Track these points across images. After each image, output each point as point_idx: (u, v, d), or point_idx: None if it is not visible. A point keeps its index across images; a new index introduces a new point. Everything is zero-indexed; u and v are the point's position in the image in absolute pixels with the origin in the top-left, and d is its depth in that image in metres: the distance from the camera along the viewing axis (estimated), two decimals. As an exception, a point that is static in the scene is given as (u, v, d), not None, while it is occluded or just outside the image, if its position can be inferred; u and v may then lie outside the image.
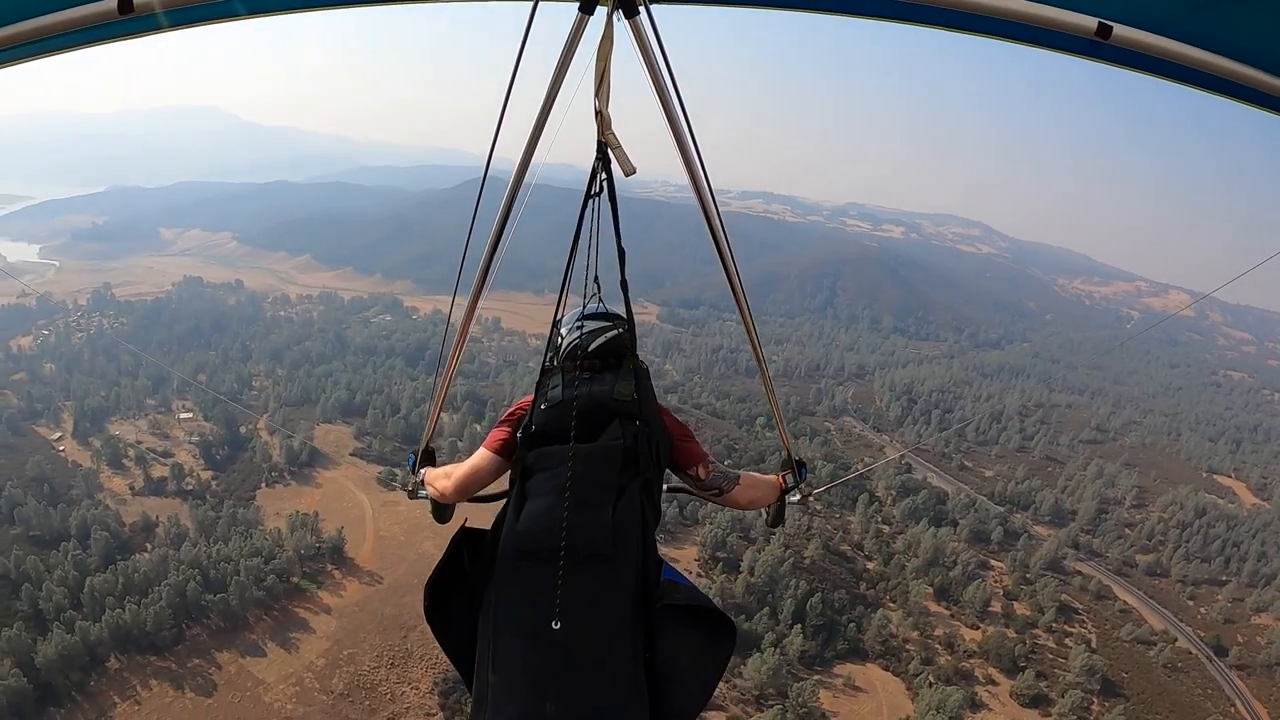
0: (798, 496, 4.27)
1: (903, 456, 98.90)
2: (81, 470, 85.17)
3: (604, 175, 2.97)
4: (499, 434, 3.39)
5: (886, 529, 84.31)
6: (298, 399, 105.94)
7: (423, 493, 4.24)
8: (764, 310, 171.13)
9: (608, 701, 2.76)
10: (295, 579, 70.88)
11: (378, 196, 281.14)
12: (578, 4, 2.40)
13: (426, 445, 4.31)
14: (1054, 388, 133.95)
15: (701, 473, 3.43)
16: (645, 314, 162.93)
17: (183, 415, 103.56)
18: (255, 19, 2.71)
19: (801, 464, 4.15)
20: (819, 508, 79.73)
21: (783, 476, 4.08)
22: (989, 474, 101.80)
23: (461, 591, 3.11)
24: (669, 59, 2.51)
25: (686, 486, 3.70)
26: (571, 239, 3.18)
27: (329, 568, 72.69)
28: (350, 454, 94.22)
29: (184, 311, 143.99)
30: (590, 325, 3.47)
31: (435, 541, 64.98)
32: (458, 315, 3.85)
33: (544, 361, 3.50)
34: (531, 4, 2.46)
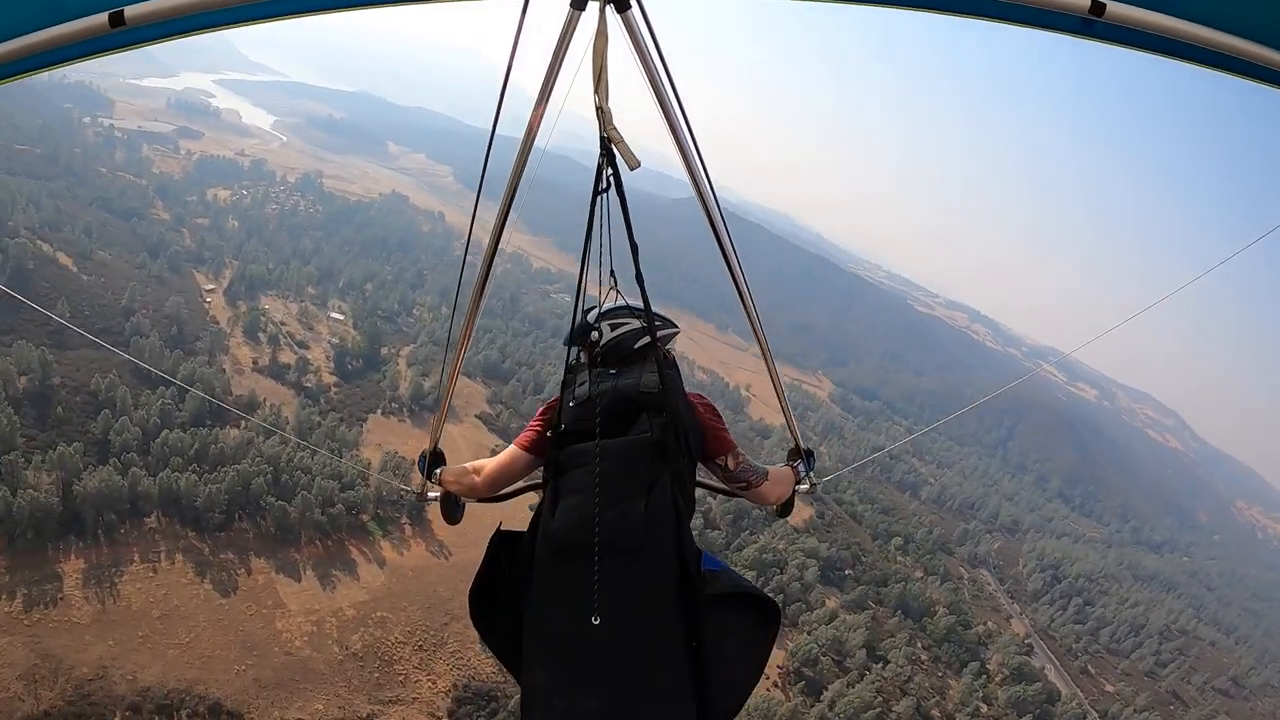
0: (806, 485, 5.05)
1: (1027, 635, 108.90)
2: (216, 327, 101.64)
3: (610, 170, 3.34)
4: (531, 431, 4.11)
5: (985, 709, 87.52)
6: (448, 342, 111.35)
7: (432, 495, 5.07)
8: (937, 428, 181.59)
9: (653, 694, 3.20)
10: (364, 517, 77.04)
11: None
12: (569, 0, 2.79)
13: (436, 447, 4.89)
14: (1203, 618, 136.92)
15: (731, 463, 4.07)
16: (818, 387, 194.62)
17: (334, 315, 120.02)
18: (245, 26, 3.20)
19: (810, 454, 5.06)
20: (924, 660, 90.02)
21: (794, 466, 4.93)
22: (1109, 689, 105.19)
23: (503, 594, 3.63)
24: (663, 52, 2.97)
25: (713, 480, 4.35)
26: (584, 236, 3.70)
27: (403, 520, 78.40)
28: (476, 415, 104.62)
29: (379, 221, 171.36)
30: (614, 320, 4.13)
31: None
32: (460, 318, 4.60)
33: (568, 359, 4.03)
34: (523, 1, 2.86)
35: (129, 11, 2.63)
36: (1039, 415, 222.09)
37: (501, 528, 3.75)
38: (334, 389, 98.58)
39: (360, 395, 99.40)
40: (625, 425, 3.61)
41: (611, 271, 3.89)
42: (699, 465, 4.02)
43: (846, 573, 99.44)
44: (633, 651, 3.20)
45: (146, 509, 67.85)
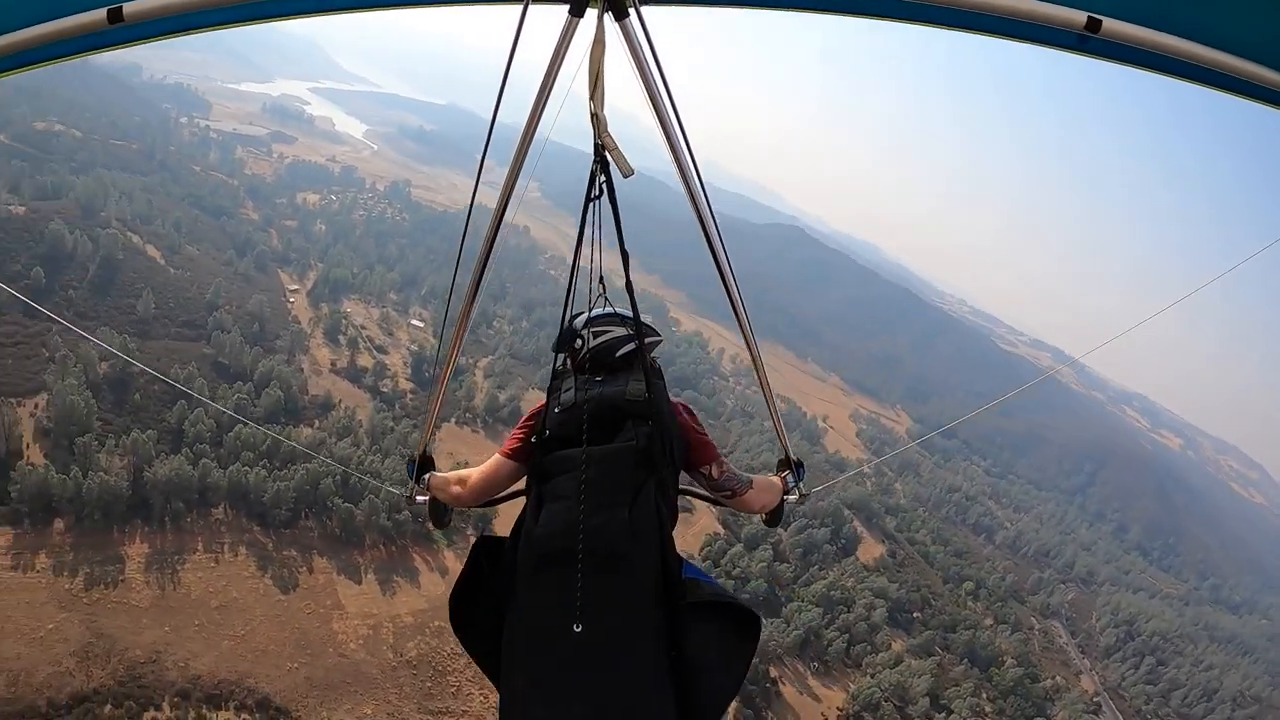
0: (795, 496, 5.09)
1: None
2: (297, 327, 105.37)
3: (603, 178, 3.58)
4: (515, 438, 4.16)
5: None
6: (527, 356, 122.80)
7: (421, 498, 5.00)
8: (1015, 470, 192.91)
9: (633, 701, 3.27)
10: (429, 525, 71.46)
11: (685, 204, 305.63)
12: (567, 7, 2.89)
13: (424, 451, 4.97)
14: (1278, 684, 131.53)
15: (715, 472, 4.19)
16: (896, 422, 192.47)
17: (414, 323, 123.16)
18: (243, 26, 3.31)
19: (800, 464, 5.14)
20: (989, 712, 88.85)
21: (783, 477, 5.04)
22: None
23: (485, 600, 3.72)
24: (660, 61, 3.06)
25: (698, 487, 4.45)
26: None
27: (468, 531, 77.54)
28: None
29: (460, 230, 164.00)
30: (601, 328, 4.25)
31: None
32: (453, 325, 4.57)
33: (555, 365, 4.19)
34: (521, 7, 2.94)
35: (128, 8, 2.71)
36: (1121, 462, 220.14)
37: (484, 533, 4.66)
38: (409, 396, 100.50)
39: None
40: (610, 433, 3.69)
41: (600, 279, 4.15)
42: (684, 474, 4.13)
43: (915, 615, 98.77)
44: (614, 660, 3.25)
45: (214, 500, 69.96)
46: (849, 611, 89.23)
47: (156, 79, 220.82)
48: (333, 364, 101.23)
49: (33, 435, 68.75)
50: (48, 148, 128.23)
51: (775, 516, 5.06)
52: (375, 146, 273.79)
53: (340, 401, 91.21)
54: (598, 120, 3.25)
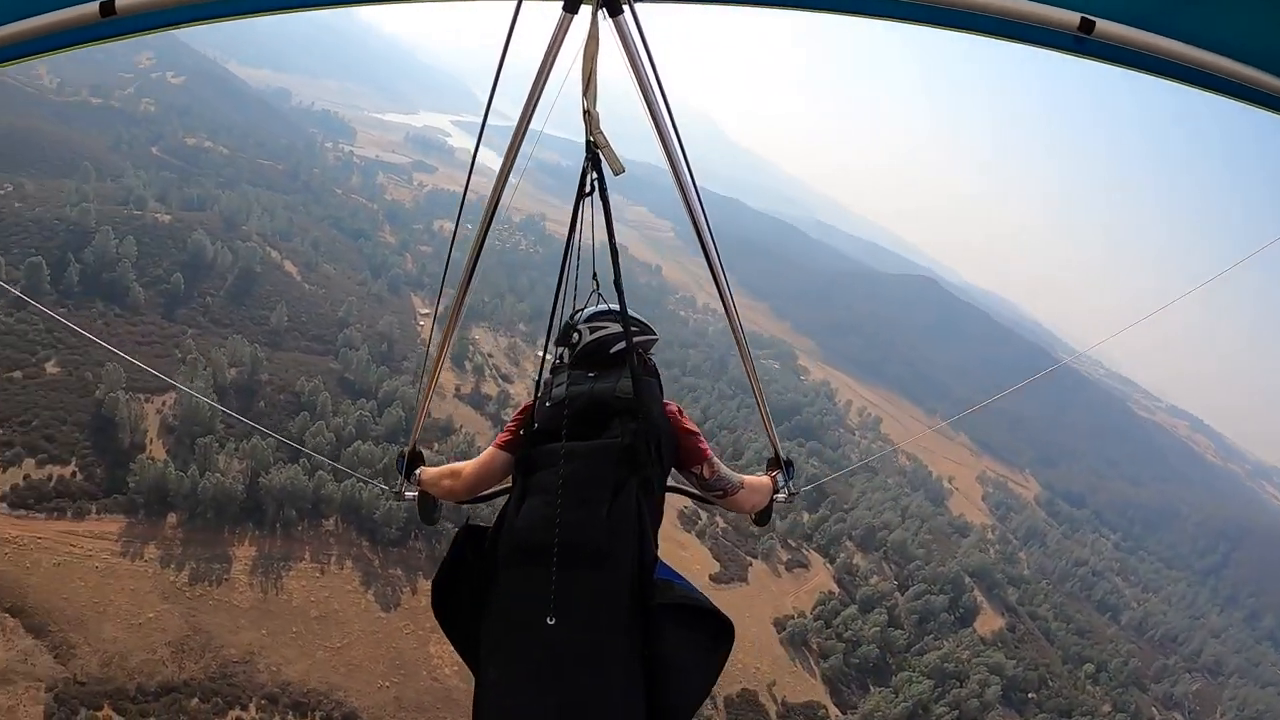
0: (784, 495, 5.26)
1: None
2: (424, 350, 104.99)
3: (594, 175, 3.72)
4: (508, 431, 4.32)
5: None
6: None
7: (410, 494, 5.22)
8: (1144, 544, 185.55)
9: (603, 697, 3.37)
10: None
11: (821, 255, 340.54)
12: (561, 4, 2.96)
13: (414, 447, 5.24)
14: None
15: (706, 472, 4.33)
16: (1024, 487, 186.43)
17: (540, 353, 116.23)
18: (231, 20, 3.35)
19: (789, 464, 5.37)
20: None
21: (773, 477, 5.21)
22: None
23: (466, 588, 3.83)
24: (654, 58, 3.18)
25: (689, 487, 4.55)
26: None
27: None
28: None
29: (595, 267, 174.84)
30: (595, 324, 4.38)
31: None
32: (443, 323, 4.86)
33: (552, 360, 4.44)
34: (515, 4, 3.07)
35: (120, 1, 2.82)
36: (1258, 544, 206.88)
37: (469, 522, 3.90)
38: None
39: None
40: (598, 429, 3.80)
41: (594, 275, 4.21)
42: (678, 474, 4.36)
43: (1030, 696, 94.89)
44: (586, 654, 3.34)
45: (326, 512, 72.12)
46: (961, 686, 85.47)
47: (305, 105, 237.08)
48: (457, 389, 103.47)
49: (157, 431, 72.44)
50: (197, 162, 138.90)
51: (764, 516, 5.33)
52: (512, 180, 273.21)
53: (461, 427, 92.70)
54: (590, 117, 3.33)
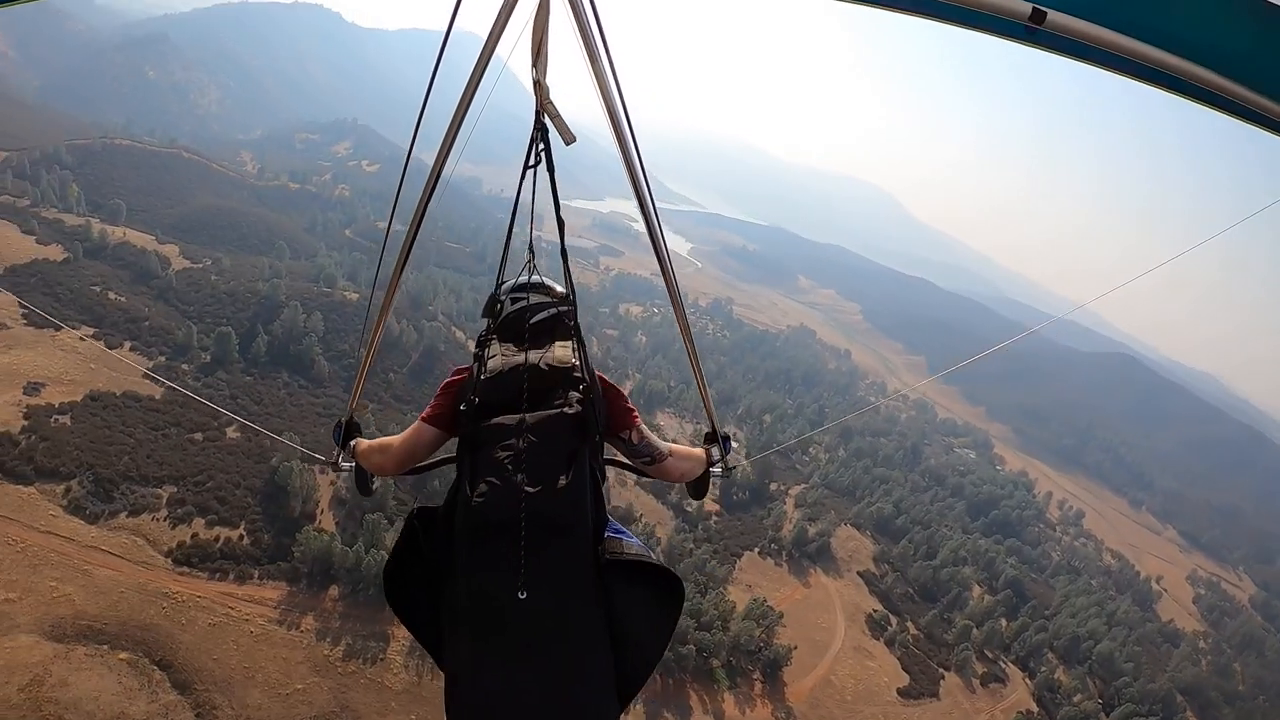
0: (720, 469, 5.34)
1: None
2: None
3: (541, 145, 3.68)
4: (436, 405, 4.28)
5: None
6: (843, 487, 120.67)
7: (346, 464, 5.40)
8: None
9: (578, 665, 3.48)
10: (715, 663, 74.06)
11: (1014, 333, 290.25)
12: None
13: (351, 417, 5.38)
14: None
15: (634, 437, 4.38)
16: (1238, 587, 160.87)
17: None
18: None
19: (726, 437, 5.37)
20: None
21: (708, 450, 5.23)
22: None
23: (420, 572, 3.89)
24: (604, 30, 3.18)
25: (618, 455, 4.62)
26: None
27: (754, 676, 75.20)
28: (859, 571, 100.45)
29: (784, 353, 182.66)
30: (518, 295, 4.43)
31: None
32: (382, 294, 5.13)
33: (482, 332, 4.37)
34: None
35: None
36: None
37: (418, 505, 3.99)
38: (715, 518, 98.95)
39: (740, 529, 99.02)
40: (540, 398, 3.82)
41: (530, 246, 4.25)
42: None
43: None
44: (558, 625, 3.41)
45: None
46: None
47: (494, 192, 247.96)
48: (640, 477, 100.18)
49: (328, 503, 73.37)
50: (377, 238, 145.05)
51: (700, 489, 5.34)
52: (699, 264, 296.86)
53: (641, 516, 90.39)
54: (540, 87, 3.32)
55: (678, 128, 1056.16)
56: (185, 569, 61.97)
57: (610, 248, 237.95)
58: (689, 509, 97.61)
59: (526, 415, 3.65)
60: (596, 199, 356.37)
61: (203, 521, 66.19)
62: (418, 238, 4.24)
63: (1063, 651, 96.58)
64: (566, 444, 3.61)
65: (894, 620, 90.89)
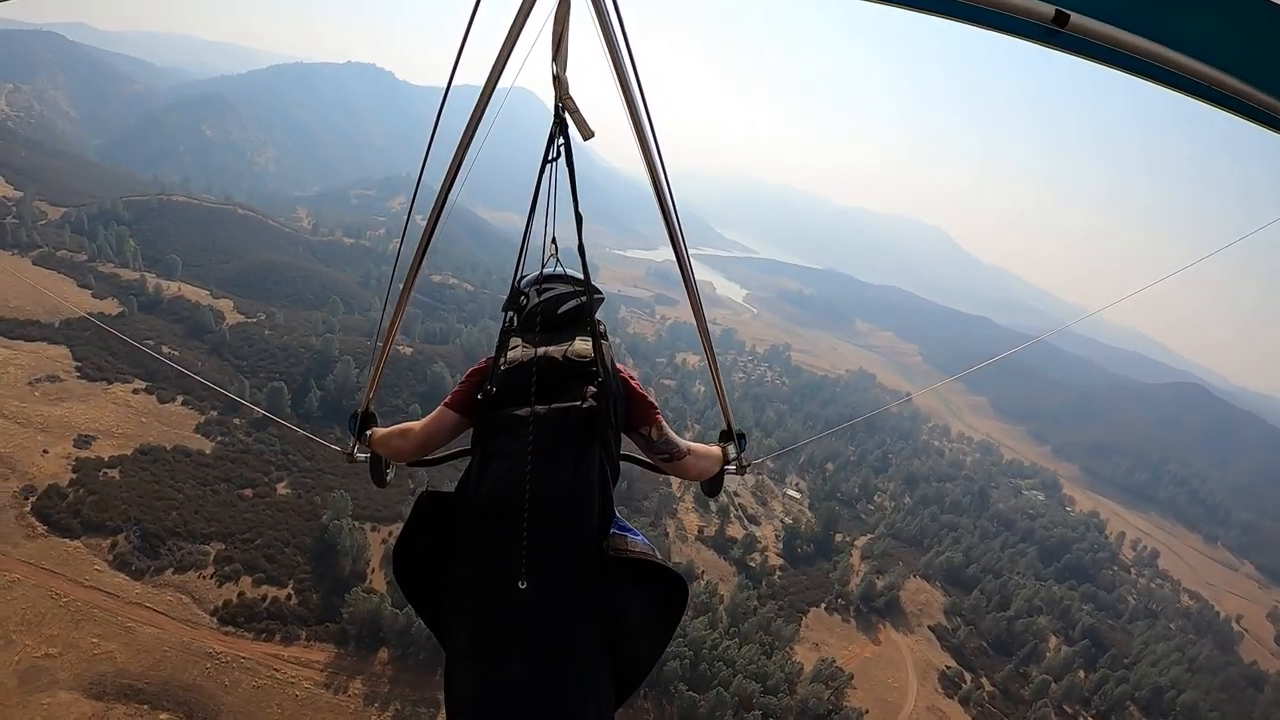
0: (734, 467, 5.31)
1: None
2: (667, 490, 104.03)
3: (561, 140, 3.63)
4: (459, 393, 4.30)
5: None
6: (910, 537, 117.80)
7: (361, 455, 5.34)
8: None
9: (574, 658, 3.51)
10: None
11: (1074, 367, 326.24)
12: None
13: (367, 408, 5.26)
14: None
15: (654, 434, 4.36)
16: None
17: (790, 493, 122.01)
18: None
19: (742, 435, 5.32)
20: None
21: (724, 448, 5.22)
22: None
23: (428, 554, 3.91)
24: (625, 25, 3.11)
25: (637, 453, 4.61)
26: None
27: None
28: (929, 626, 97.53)
29: (845, 398, 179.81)
30: (548, 287, 4.41)
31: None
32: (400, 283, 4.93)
33: (504, 323, 4.34)
34: None
35: None
36: None
37: (429, 488, 4.05)
38: (779, 573, 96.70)
39: (806, 584, 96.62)
40: (557, 391, 3.84)
41: (553, 240, 4.24)
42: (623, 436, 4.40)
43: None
44: (556, 617, 3.45)
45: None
46: None
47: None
48: (700, 531, 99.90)
49: (379, 562, 72.05)
50: (441, 298, 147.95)
51: (714, 486, 5.34)
52: (755, 310, 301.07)
53: (703, 573, 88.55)
54: (559, 82, 3.30)
55: (725, 174, 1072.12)
56: (231, 628, 61.35)
57: (666, 297, 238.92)
58: (752, 564, 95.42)
59: (541, 407, 3.68)
60: (651, 248, 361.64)
61: (250, 580, 65.64)
62: (437, 227, 4.07)
63: (1145, 703, 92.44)
64: (577, 438, 3.62)
65: (968, 677, 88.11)
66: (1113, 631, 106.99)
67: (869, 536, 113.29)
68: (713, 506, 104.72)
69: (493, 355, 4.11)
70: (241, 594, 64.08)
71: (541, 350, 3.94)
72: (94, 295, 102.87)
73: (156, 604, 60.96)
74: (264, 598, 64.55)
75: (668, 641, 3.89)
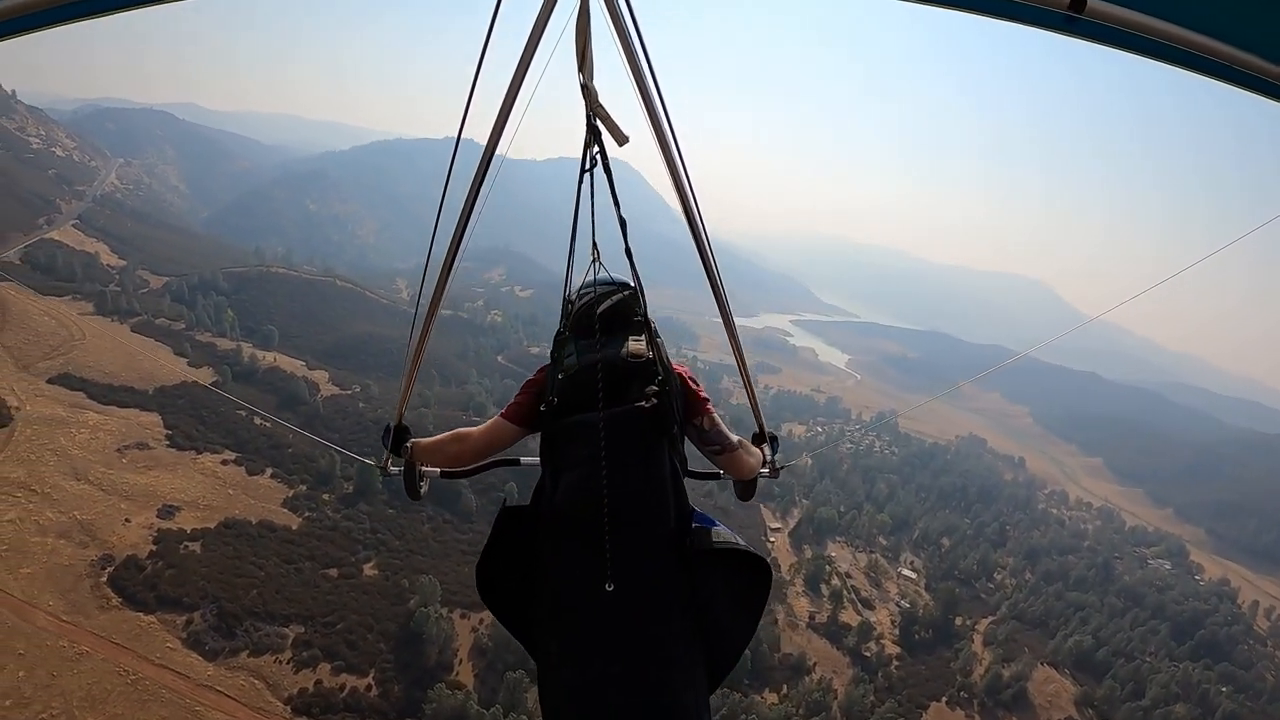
0: (768, 470, 5.35)
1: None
2: (777, 574, 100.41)
3: (596, 149, 3.74)
4: (518, 405, 4.37)
5: None
6: (1035, 618, 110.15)
7: (395, 468, 5.19)
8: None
9: (668, 656, 3.57)
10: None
11: (1192, 421, 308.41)
12: None
13: (401, 421, 5.18)
14: None
15: (706, 424, 4.36)
16: None
17: (905, 572, 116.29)
18: (99, 18, 3.35)
19: (774, 437, 5.41)
20: None
21: (761, 449, 5.26)
22: None
23: (512, 569, 4.00)
24: (642, 34, 3.25)
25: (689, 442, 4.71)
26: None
27: None
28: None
29: (956, 466, 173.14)
30: (596, 291, 4.44)
31: None
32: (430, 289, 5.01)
33: (558, 331, 4.49)
34: None
35: None
36: None
37: (507, 504, 4.04)
38: (896, 663, 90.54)
39: (925, 675, 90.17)
40: (618, 393, 3.88)
41: (594, 244, 4.32)
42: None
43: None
44: (646, 616, 3.55)
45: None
46: None
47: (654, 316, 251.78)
48: (811, 617, 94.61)
49: (468, 652, 68.99)
50: (529, 365, 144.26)
51: (749, 490, 5.35)
52: (858, 376, 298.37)
53: (815, 665, 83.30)
54: (588, 92, 3.43)
55: (818, 237, 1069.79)
56: (304, 719, 58.58)
57: (767, 365, 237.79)
58: (867, 655, 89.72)
59: (609, 411, 3.71)
60: (750, 315, 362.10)
61: (329, 667, 62.93)
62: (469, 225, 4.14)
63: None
64: (645, 438, 3.70)
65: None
66: (1254, 716, 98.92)
67: (991, 619, 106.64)
68: (823, 589, 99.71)
69: (547, 366, 4.24)
70: (319, 682, 61.36)
71: (599, 355, 3.94)
72: (190, 363, 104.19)
73: (228, 688, 58.58)
74: (342, 687, 61.63)
75: (756, 625, 3.93)
